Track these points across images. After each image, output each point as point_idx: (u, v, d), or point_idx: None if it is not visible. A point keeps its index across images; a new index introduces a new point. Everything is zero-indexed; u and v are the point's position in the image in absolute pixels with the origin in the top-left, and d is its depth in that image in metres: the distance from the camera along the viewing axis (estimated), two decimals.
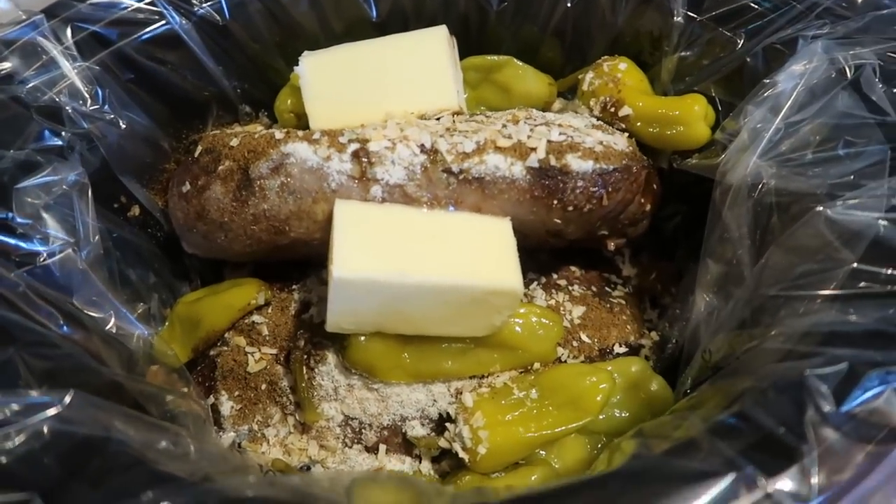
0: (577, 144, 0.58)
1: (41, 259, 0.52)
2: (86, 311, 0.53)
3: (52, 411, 0.40)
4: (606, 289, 0.73)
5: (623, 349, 0.67)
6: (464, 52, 0.71)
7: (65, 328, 0.49)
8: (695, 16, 0.64)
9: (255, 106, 0.75)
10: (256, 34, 0.70)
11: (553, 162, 0.57)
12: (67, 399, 0.40)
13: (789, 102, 0.57)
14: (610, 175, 0.58)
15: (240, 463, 0.52)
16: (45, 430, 0.39)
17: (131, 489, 0.38)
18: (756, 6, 0.61)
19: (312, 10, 0.70)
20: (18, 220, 0.52)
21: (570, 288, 0.69)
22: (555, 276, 0.71)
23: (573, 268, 0.73)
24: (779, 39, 0.59)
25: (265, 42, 0.70)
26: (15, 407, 0.38)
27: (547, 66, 0.74)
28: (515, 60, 0.72)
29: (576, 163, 0.57)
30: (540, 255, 0.72)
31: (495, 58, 0.72)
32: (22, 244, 0.52)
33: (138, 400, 0.52)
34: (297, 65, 0.67)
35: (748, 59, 0.61)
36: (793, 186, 0.55)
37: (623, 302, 0.71)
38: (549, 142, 0.57)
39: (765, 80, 0.59)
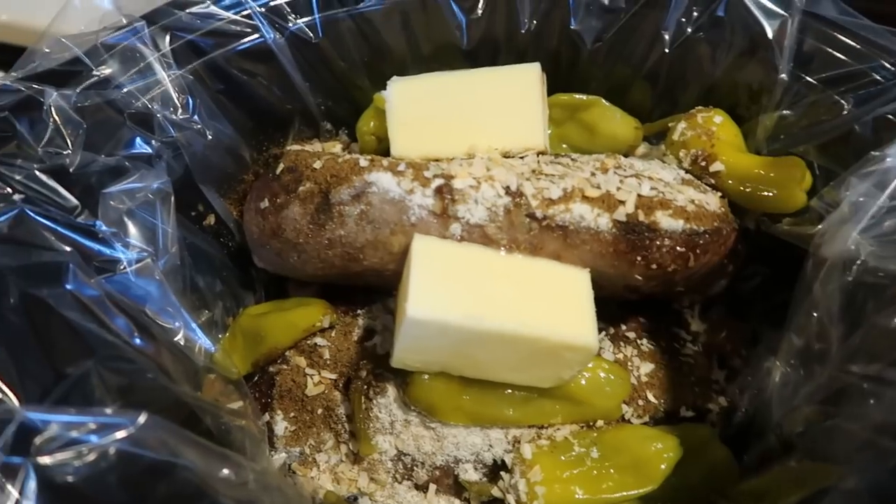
0: (668, 202, 0.55)
1: (121, 267, 0.52)
2: (158, 322, 0.53)
3: (124, 433, 0.39)
4: (675, 345, 0.70)
5: (689, 413, 0.64)
6: (551, 89, 0.69)
7: (138, 340, 0.49)
8: (802, 75, 0.61)
9: (335, 123, 0.75)
10: (345, 53, 0.69)
11: (641, 217, 0.55)
12: (140, 420, 0.40)
13: None
14: (700, 237, 0.56)
15: (294, 495, 0.51)
16: (116, 451, 0.39)
17: None
18: (872, 73, 0.57)
19: (403, 32, 0.69)
20: (103, 225, 0.52)
21: (639, 342, 0.67)
22: (623, 327, 0.69)
23: (642, 319, 0.71)
24: (893, 111, 0.56)
25: (353, 61, 0.70)
26: (91, 426, 0.38)
27: (634, 108, 0.72)
28: (603, 101, 0.70)
29: (665, 221, 0.55)
30: (608, 304, 0.70)
31: (583, 97, 0.70)
32: (104, 250, 0.52)
33: (196, 412, 0.52)
34: (383, 86, 0.66)
35: (856, 127, 0.58)
36: (893, 268, 0.52)
37: (692, 361, 0.68)
38: (639, 196, 0.55)
39: (873, 153, 0.55)
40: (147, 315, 0.52)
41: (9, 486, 0.37)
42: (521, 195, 0.55)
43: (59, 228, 0.49)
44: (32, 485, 0.37)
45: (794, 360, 0.59)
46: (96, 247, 0.51)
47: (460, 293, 0.53)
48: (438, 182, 0.56)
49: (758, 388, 0.64)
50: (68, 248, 0.48)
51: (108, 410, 0.40)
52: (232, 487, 0.44)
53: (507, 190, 0.55)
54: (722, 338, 0.73)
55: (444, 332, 0.52)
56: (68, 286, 0.46)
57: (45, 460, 0.37)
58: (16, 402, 0.39)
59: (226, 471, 0.44)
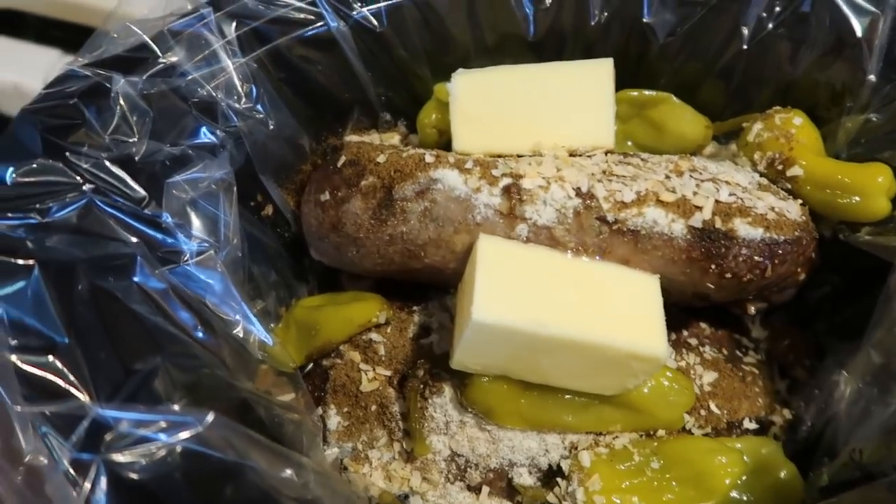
0: (747, 209, 0.53)
1: (184, 258, 0.51)
2: (218, 314, 0.53)
3: (191, 432, 0.39)
4: (737, 353, 0.68)
5: (753, 425, 0.62)
6: (618, 84, 0.66)
7: (200, 334, 0.49)
8: (893, 76, 0.58)
9: (395, 114, 0.73)
10: (408, 42, 0.67)
11: (718, 224, 0.52)
12: (208, 420, 0.39)
13: None
14: (779, 246, 0.53)
15: (352, 495, 0.51)
16: (184, 450, 0.38)
17: None
18: None
19: (469, 22, 0.67)
20: (167, 215, 0.52)
21: (702, 349, 0.65)
22: (685, 332, 0.66)
23: (703, 324, 0.68)
24: None
25: (415, 51, 0.68)
26: (161, 424, 0.38)
27: (704, 106, 0.69)
28: (673, 98, 0.67)
29: (744, 229, 0.52)
30: (670, 309, 0.68)
31: (652, 93, 0.67)
32: (168, 240, 0.51)
33: (251, 404, 0.52)
34: (444, 77, 0.65)
35: None
36: None
37: (755, 370, 0.66)
38: (716, 202, 0.53)
39: None
40: (208, 307, 0.52)
41: (80, 482, 0.37)
42: (592, 197, 0.53)
43: (126, 219, 0.49)
44: (103, 481, 0.37)
45: (870, 377, 0.56)
46: (160, 237, 0.51)
47: (526, 297, 0.51)
48: (506, 181, 0.54)
49: (825, 403, 0.61)
50: (135, 240, 0.48)
51: (176, 408, 0.40)
52: (294, 488, 0.44)
53: (578, 191, 0.53)
54: (784, 346, 0.71)
55: (508, 337, 0.51)
56: (136, 279, 0.46)
57: (116, 457, 0.37)
58: (87, 399, 0.39)
59: (288, 471, 0.44)
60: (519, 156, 0.59)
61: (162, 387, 0.42)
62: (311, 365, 0.66)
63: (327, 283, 0.72)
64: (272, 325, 0.67)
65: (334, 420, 0.62)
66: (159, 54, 0.55)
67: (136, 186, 0.50)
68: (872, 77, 0.59)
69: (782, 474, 0.58)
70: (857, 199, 0.58)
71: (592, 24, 0.67)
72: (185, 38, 0.57)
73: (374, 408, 0.61)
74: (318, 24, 0.63)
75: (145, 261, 0.47)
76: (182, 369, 0.43)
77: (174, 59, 0.56)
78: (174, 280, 0.50)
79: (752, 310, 0.67)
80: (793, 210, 0.55)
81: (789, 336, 0.71)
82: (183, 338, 0.46)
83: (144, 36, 0.55)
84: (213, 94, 0.57)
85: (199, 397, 0.44)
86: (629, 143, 0.69)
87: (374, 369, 0.62)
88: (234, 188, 0.56)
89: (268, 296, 0.67)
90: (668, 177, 0.55)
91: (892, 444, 0.49)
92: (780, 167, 0.61)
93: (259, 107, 0.60)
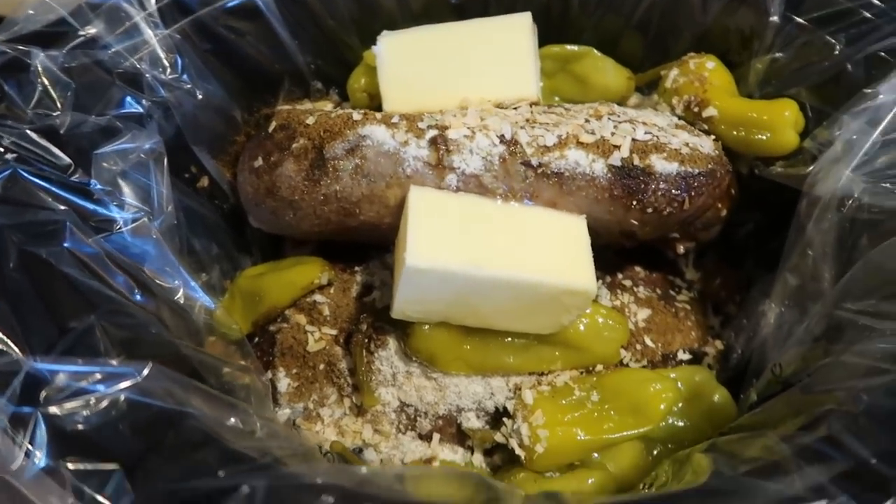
0: (662, 145, 0.56)
1: (117, 227, 0.52)
2: (157, 281, 0.53)
3: (130, 382, 0.40)
4: (671, 292, 0.71)
5: (686, 356, 0.66)
6: (542, 40, 0.69)
7: (139, 297, 0.49)
8: (793, 16, 0.61)
9: (326, 83, 0.74)
10: (334, 10, 0.68)
11: (637, 161, 0.55)
12: (146, 371, 0.40)
13: (890, 116, 0.54)
14: (694, 179, 0.56)
15: (301, 443, 0.52)
16: (124, 400, 0.39)
17: (207, 466, 0.38)
18: (862, 11, 0.57)
19: None
20: (97, 185, 0.52)
21: (636, 289, 0.68)
22: (620, 275, 0.69)
23: (637, 268, 0.72)
24: (885, 48, 0.56)
25: (342, 18, 0.69)
26: (97, 376, 0.38)
27: (626, 58, 0.72)
28: (595, 52, 0.70)
29: (660, 164, 0.55)
30: (605, 254, 0.70)
31: (575, 48, 0.70)
32: (99, 210, 0.52)
33: (198, 369, 0.53)
34: (373, 43, 0.66)
35: (848, 66, 0.58)
36: (887, 204, 0.53)
37: (688, 307, 0.69)
38: (633, 140, 0.55)
39: (865, 90, 0.56)
40: (146, 273, 0.52)
41: (19, 436, 0.37)
42: (515, 143, 0.55)
43: (53, 188, 0.49)
44: (42, 433, 0.37)
45: (789, 300, 0.60)
46: (91, 206, 0.51)
47: (459, 242, 0.53)
48: (432, 133, 0.56)
49: (753, 331, 0.65)
50: (63, 208, 0.48)
51: (114, 362, 0.41)
52: (240, 436, 0.45)
53: (502, 139, 0.55)
54: (716, 285, 0.74)
55: (443, 281, 0.52)
56: (66, 244, 0.46)
57: (53, 410, 0.38)
58: (20, 354, 0.39)
59: (233, 419, 0.44)
60: None
61: (98, 344, 0.42)
62: (258, 337, 0.66)
63: (271, 253, 0.73)
64: (218, 299, 0.67)
65: (284, 382, 0.62)
66: (78, 28, 0.55)
67: (61, 155, 0.50)
68: (776, 18, 0.62)
69: (715, 398, 0.61)
70: (768, 134, 0.61)
71: None
72: (104, 11, 0.57)
73: (322, 367, 0.62)
74: None
75: (76, 227, 0.47)
76: (119, 327, 0.44)
77: (94, 31, 0.56)
78: (108, 247, 0.50)
79: (681, 249, 0.70)
80: (706, 145, 0.58)
81: (721, 275, 0.75)
82: (119, 299, 0.46)
83: (62, 10, 0.55)
84: (137, 65, 0.57)
85: (138, 353, 0.44)
86: (556, 98, 0.72)
87: (319, 329, 0.63)
88: (165, 158, 0.57)
89: (211, 269, 0.67)
90: (587, 121, 0.57)
91: (806, 356, 0.53)
92: (696, 109, 0.64)
93: (185, 77, 0.60)
